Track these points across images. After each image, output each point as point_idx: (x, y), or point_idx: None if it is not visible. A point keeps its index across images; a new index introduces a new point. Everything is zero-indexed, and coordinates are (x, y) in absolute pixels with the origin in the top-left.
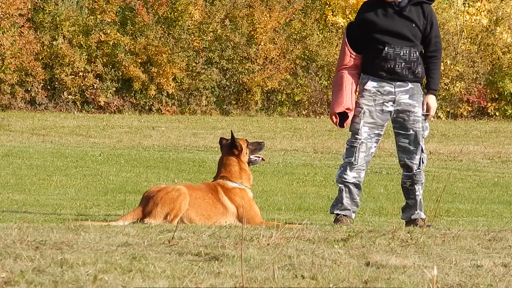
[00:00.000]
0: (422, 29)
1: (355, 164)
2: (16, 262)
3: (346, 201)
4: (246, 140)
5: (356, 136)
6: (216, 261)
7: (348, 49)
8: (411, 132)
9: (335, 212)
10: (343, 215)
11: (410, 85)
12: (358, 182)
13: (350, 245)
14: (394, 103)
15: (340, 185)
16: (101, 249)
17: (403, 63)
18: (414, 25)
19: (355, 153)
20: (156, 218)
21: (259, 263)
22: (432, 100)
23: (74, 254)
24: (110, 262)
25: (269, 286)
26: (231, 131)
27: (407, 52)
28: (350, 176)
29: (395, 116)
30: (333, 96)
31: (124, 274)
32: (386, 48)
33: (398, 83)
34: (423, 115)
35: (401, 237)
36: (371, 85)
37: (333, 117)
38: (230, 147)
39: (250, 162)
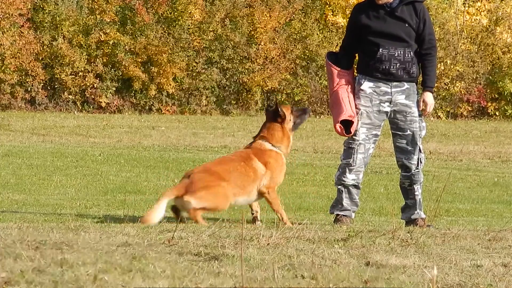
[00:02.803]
0: (416, 27)
1: (354, 166)
2: (16, 262)
3: (345, 201)
4: (291, 106)
5: (353, 137)
6: (216, 261)
7: (335, 68)
8: (408, 132)
9: (335, 212)
10: (343, 215)
11: (406, 85)
12: (357, 184)
13: (350, 245)
14: (390, 103)
15: (339, 186)
16: (101, 249)
17: (398, 64)
18: (407, 25)
19: (353, 154)
20: (198, 199)
21: (259, 263)
22: (429, 97)
23: (74, 254)
24: (110, 262)
25: (269, 286)
26: (276, 101)
27: (402, 52)
28: (349, 178)
29: (392, 116)
30: (333, 112)
31: (124, 274)
32: (380, 49)
33: (394, 83)
34: (419, 114)
35: (401, 237)
36: (367, 85)
37: (337, 127)
38: (274, 114)
39: (295, 127)
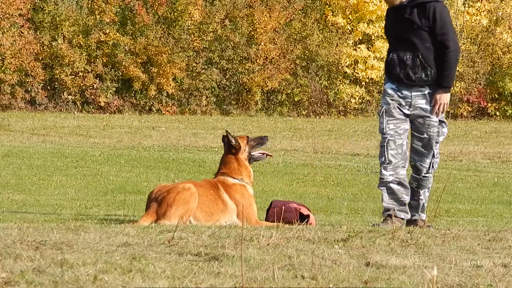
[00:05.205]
0: (427, 28)
1: (387, 163)
2: (16, 262)
3: (388, 201)
4: (247, 136)
5: (383, 136)
6: (216, 261)
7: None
8: (425, 136)
9: (383, 216)
10: (388, 215)
11: (428, 89)
12: (398, 180)
13: (350, 245)
14: (410, 107)
15: (380, 188)
16: (101, 249)
17: (407, 69)
18: (416, 26)
19: (385, 152)
20: (171, 219)
21: (259, 263)
22: (439, 95)
23: (74, 254)
24: (110, 262)
25: (269, 286)
26: (226, 130)
27: (410, 57)
28: (387, 174)
29: (412, 118)
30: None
31: (124, 274)
32: (391, 54)
33: (414, 87)
34: (440, 120)
35: (401, 237)
36: (389, 86)
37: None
38: (228, 145)
39: (252, 159)
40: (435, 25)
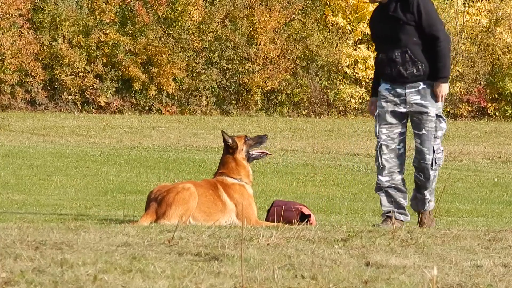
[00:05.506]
0: (413, 22)
1: (382, 167)
2: (16, 262)
3: (387, 205)
4: (245, 136)
5: (377, 140)
6: (216, 261)
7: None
8: (423, 132)
9: (383, 217)
10: (388, 216)
11: (422, 85)
12: (394, 185)
13: (350, 245)
14: (406, 104)
15: (378, 192)
16: (101, 249)
17: (398, 66)
18: (401, 22)
19: (379, 156)
20: (171, 219)
21: (259, 263)
22: (438, 87)
23: (74, 254)
24: (110, 262)
25: (269, 286)
26: (222, 130)
27: (399, 54)
28: (383, 180)
29: (410, 116)
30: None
31: (124, 274)
32: (380, 54)
33: (408, 84)
34: (437, 115)
35: (401, 237)
36: (383, 87)
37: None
38: (226, 145)
39: (251, 158)
40: (421, 19)
